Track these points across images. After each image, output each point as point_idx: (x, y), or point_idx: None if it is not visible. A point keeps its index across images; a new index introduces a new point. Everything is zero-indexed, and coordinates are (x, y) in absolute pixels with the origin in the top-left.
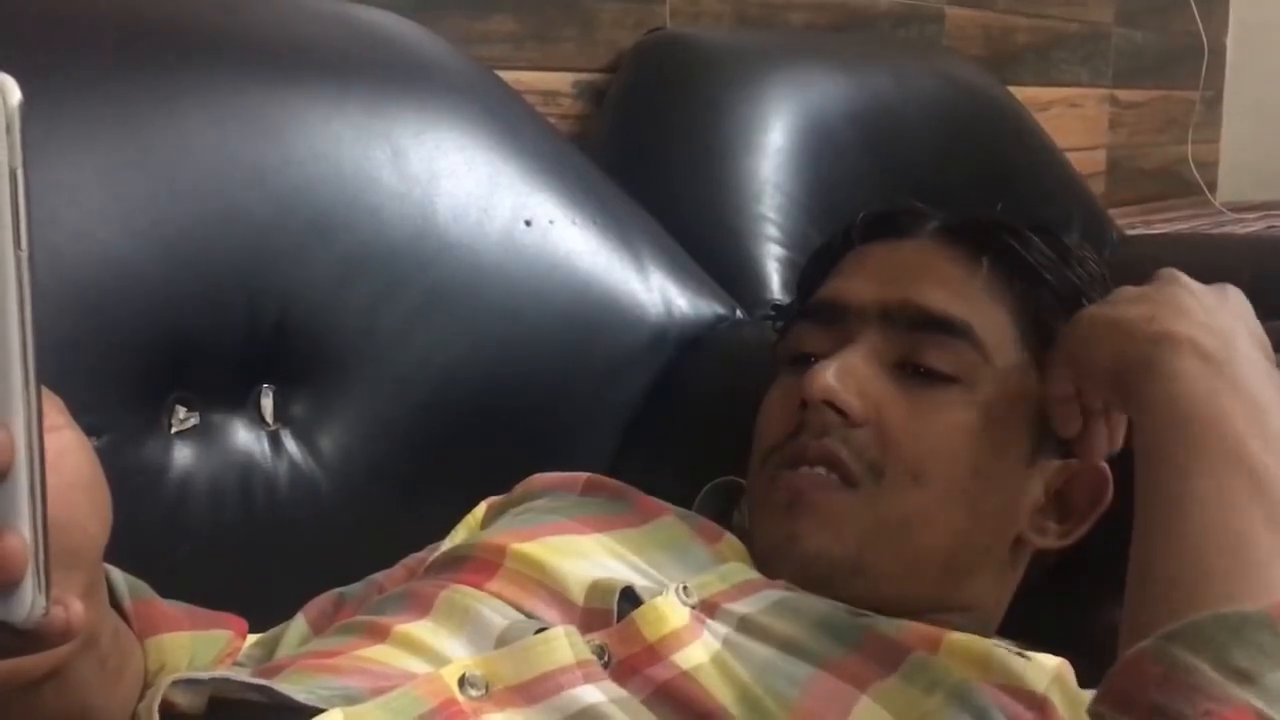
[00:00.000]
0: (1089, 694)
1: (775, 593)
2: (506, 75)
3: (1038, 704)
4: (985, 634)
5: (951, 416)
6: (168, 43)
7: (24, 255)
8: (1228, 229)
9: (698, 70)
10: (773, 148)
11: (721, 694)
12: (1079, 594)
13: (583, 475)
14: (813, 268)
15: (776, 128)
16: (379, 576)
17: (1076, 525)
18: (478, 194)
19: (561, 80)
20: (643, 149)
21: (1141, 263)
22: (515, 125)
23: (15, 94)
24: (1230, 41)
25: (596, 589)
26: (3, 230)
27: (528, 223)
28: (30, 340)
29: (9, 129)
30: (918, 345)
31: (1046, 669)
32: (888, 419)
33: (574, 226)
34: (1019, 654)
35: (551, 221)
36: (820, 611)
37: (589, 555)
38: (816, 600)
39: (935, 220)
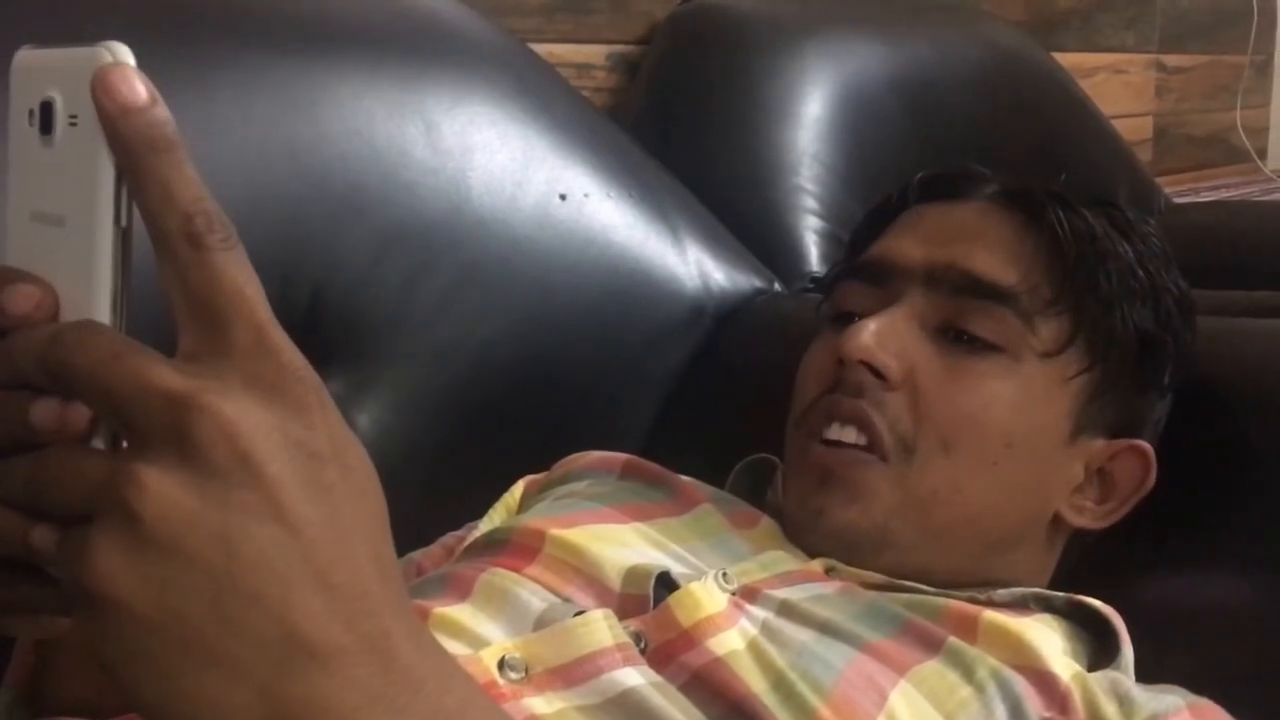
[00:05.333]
0: (1102, 679)
1: (817, 585)
2: (539, 48)
3: (1059, 700)
4: (1027, 600)
5: (988, 385)
6: (197, 18)
7: (122, 231)
8: (1278, 196)
9: (733, 40)
10: (810, 118)
11: (754, 681)
12: (1118, 566)
13: (621, 457)
14: (865, 226)
15: (814, 97)
16: (417, 555)
17: (1117, 506)
18: (511, 168)
19: (595, 52)
20: (678, 121)
21: (1189, 231)
22: (548, 98)
23: (129, 63)
24: None
25: (633, 575)
26: (105, 206)
27: (562, 196)
28: (124, 316)
29: None
30: (962, 310)
31: (1071, 666)
32: (923, 382)
33: (609, 200)
34: (1075, 601)
35: (586, 195)
36: (863, 601)
37: (628, 543)
38: (859, 593)
39: (993, 184)
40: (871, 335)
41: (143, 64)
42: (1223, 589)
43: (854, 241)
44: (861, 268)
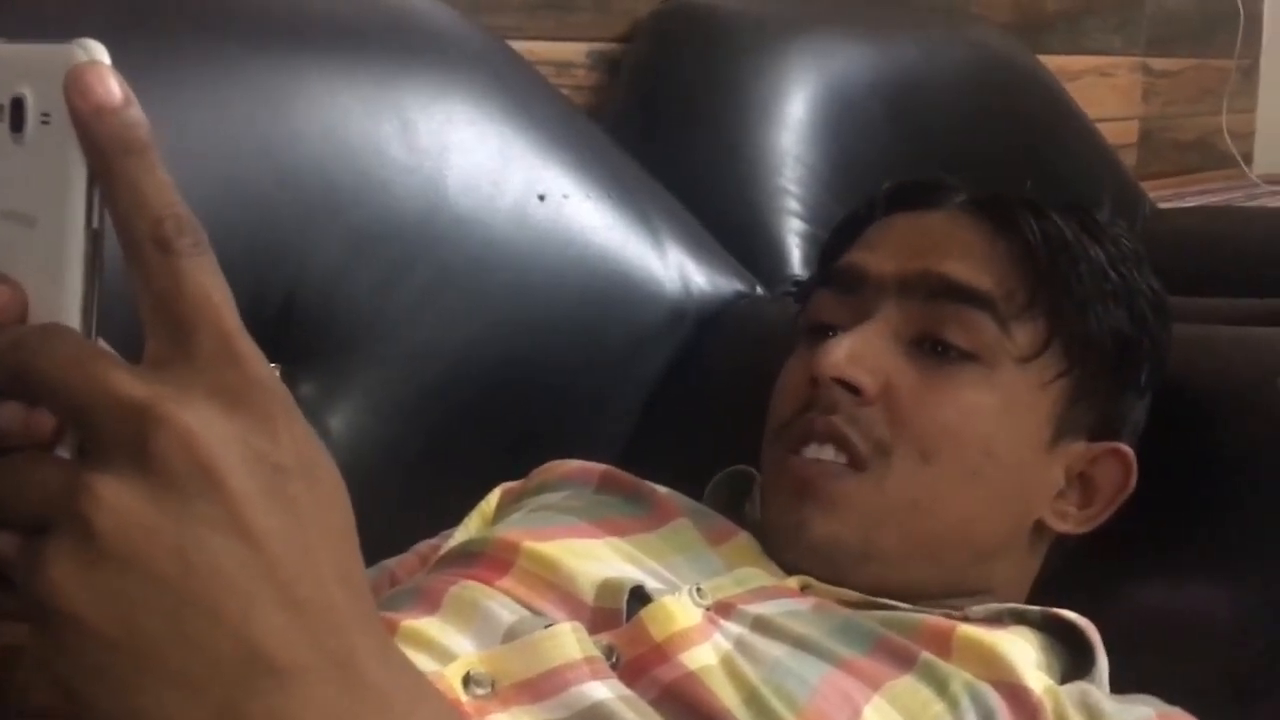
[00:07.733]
0: (1073, 690)
1: (792, 601)
2: (519, 45)
3: (1031, 713)
4: (1001, 615)
5: (966, 395)
6: (170, 12)
7: (93, 233)
8: (1263, 202)
9: (716, 39)
10: (794, 119)
11: (727, 696)
12: (1098, 575)
13: (599, 468)
14: (836, 236)
15: (798, 98)
16: (390, 563)
17: (1100, 510)
18: (489, 168)
19: (576, 50)
20: (659, 121)
21: (1174, 236)
22: (527, 97)
23: (104, 62)
24: (1267, 8)
25: (606, 588)
26: (76, 207)
27: (541, 197)
28: (94, 319)
29: None
30: (937, 319)
31: (1044, 680)
32: (899, 396)
33: (588, 201)
34: (1050, 614)
35: (565, 196)
36: (838, 618)
37: (603, 558)
38: (835, 610)
39: (962, 193)
40: (845, 352)
41: (113, 59)
42: (1198, 598)
43: (826, 252)
44: (833, 277)
